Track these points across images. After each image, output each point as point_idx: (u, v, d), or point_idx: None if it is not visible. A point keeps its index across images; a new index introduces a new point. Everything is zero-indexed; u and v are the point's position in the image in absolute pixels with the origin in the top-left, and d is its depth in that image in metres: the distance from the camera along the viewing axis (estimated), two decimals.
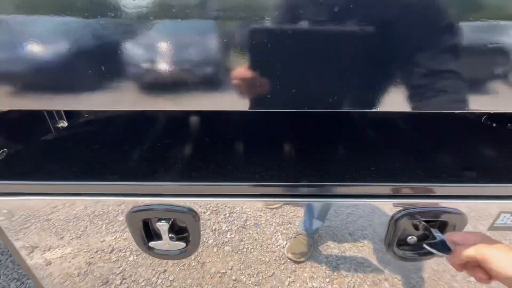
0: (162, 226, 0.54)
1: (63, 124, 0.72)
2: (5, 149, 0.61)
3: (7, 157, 0.61)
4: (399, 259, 0.58)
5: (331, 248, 0.63)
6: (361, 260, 0.64)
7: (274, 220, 0.59)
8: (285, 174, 0.55)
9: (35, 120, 0.72)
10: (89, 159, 0.60)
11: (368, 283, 0.66)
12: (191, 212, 0.54)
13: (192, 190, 0.53)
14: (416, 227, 0.54)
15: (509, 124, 0.69)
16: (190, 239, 0.58)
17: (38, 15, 0.35)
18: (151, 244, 0.57)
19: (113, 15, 0.34)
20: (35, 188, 0.54)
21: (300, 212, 0.57)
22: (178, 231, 0.58)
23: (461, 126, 0.77)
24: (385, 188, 0.52)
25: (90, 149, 0.65)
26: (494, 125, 0.71)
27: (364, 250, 0.62)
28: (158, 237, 0.57)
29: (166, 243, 0.56)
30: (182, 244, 0.57)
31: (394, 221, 0.53)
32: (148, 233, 0.57)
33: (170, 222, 0.54)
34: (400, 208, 0.53)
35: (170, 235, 0.55)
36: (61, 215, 0.56)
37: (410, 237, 0.56)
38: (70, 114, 0.77)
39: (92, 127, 0.77)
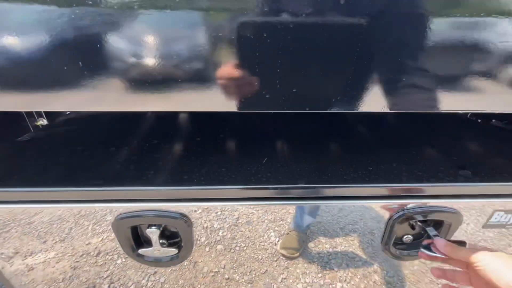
0: (152, 233, 0.52)
1: (43, 122, 0.67)
2: None
3: None
4: (395, 258, 0.60)
5: (322, 243, 0.63)
6: (352, 255, 0.65)
7: (266, 217, 0.58)
8: (281, 176, 0.54)
9: (11, 117, 0.67)
10: (70, 162, 0.56)
11: (358, 277, 0.67)
12: (183, 217, 0.52)
13: (184, 194, 0.51)
14: (412, 227, 0.55)
15: (493, 120, 0.71)
16: (182, 244, 0.56)
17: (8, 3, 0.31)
18: (141, 251, 0.55)
19: (91, 3, 0.31)
20: (10, 195, 0.50)
21: (292, 208, 0.57)
22: (169, 236, 0.56)
23: (453, 123, 0.78)
24: (383, 189, 0.52)
25: (71, 151, 0.60)
26: (479, 120, 0.73)
27: (355, 244, 0.63)
28: (148, 243, 0.54)
29: (156, 250, 0.54)
30: (174, 250, 0.55)
31: (392, 221, 0.54)
32: (137, 239, 0.55)
33: (160, 228, 0.52)
34: (398, 209, 0.53)
35: (161, 241, 0.53)
36: (44, 217, 0.53)
37: (406, 236, 0.57)
38: (50, 111, 0.72)
39: (74, 126, 0.72)
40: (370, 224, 0.59)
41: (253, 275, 0.66)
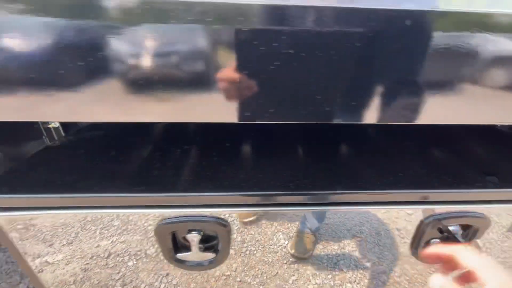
0: (193, 238, 0.52)
1: (55, 124, 0.68)
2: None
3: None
4: (424, 262, 0.61)
5: (331, 245, 0.64)
6: (360, 256, 0.66)
7: (274, 219, 0.59)
8: (319, 181, 0.55)
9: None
10: (108, 168, 0.57)
11: (367, 278, 0.68)
12: (223, 222, 0.53)
13: (226, 200, 0.52)
14: (441, 231, 0.57)
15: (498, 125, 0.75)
16: (219, 248, 0.56)
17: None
18: (180, 256, 0.55)
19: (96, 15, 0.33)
20: (56, 201, 0.49)
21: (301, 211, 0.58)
22: (206, 240, 0.56)
23: (462, 128, 0.81)
24: (415, 194, 0.54)
25: (105, 156, 0.61)
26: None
27: (362, 245, 0.64)
28: (185, 248, 0.55)
29: (195, 254, 0.55)
30: (212, 255, 0.56)
31: (423, 226, 0.55)
32: (174, 244, 0.55)
33: (201, 233, 0.52)
34: (428, 214, 0.55)
35: (199, 245, 0.54)
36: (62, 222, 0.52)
37: (434, 241, 0.58)
38: None
39: (99, 131, 0.73)
40: (376, 225, 0.61)
41: (264, 277, 0.66)
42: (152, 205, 0.51)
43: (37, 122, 0.67)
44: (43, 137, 0.67)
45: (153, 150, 0.65)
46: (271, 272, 0.66)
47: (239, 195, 0.52)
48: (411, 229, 0.60)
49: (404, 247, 0.64)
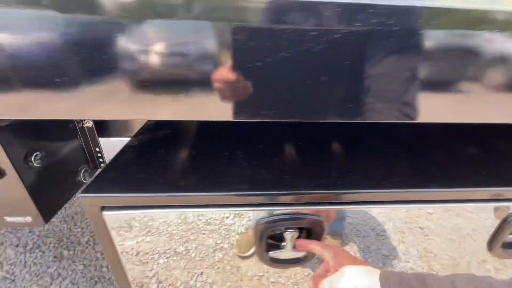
0: (290, 236, 0.52)
1: (89, 124, 0.69)
2: (38, 152, 0.56)
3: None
4: (501, 257, 0.63)
5: (357, 244, 0.66)
6: (386, 253, 0.67)
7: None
8: (409, 179, 0.57)
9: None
10: (199, 168, 0.57)
11: None
12: (321, 220, 0.54)
13: (323, 198, 0.53)
14: None
15: None
16: None
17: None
18: (272, 254, 0.55)
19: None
20: (161, 200, 0.49)
21: None
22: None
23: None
24: (498, 191, 0.56)
25: (190, 156, 0.61)
26: None
27: (386, 243, 0.66)
28: (275, 246, 0.55)
29: (288, 252, 0.54)
30: (303, 252, 0.56)
31: (504, 224, 0.57)
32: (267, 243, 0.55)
33: (297, 232, 0.52)
34: (506, 213, 0.56)
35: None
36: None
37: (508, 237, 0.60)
38: None
39: (165, 131, 0.73)
40: (399, 224, 0.65)
41: (298, 278, 0.65)
42: (258, 203, 0.51)
43: (72, 121, 0.68)
44: (78, 136, 0.68)
45: (232, 149, 0.65)
46: (304, 272, 0.65)
47: (338, 193, 0.53)
48: (434, 227, 0.64)
49: (427, 244, 0.67)
